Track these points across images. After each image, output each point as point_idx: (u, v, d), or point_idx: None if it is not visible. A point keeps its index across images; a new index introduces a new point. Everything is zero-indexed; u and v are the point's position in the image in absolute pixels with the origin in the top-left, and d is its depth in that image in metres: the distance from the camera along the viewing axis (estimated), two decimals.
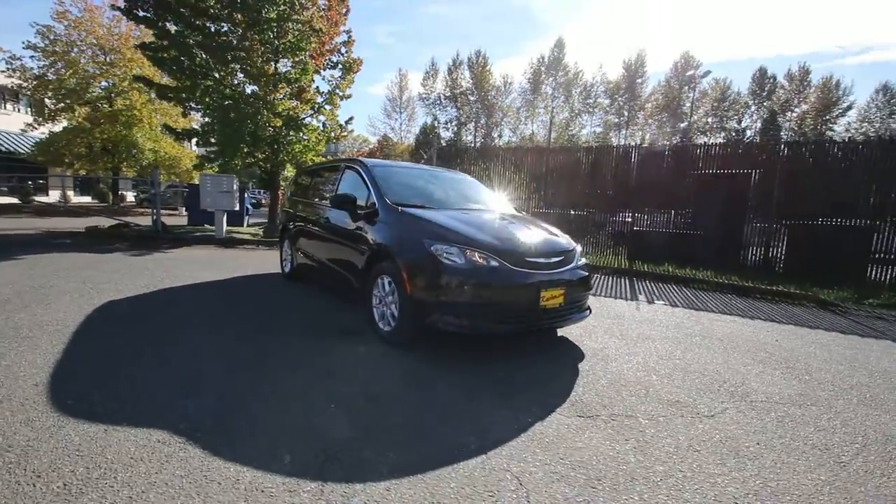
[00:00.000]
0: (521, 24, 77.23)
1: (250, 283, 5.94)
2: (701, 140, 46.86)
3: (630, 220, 11.02)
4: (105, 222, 11.61)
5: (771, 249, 9.41)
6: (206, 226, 12.45)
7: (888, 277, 8.12)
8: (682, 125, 50.40)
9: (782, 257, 9.24)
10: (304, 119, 12.70)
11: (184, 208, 19.52)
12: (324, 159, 13.68)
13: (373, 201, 4.18)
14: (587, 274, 3.88)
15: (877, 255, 8.48)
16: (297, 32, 11.80)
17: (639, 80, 47.88)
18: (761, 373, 3.54)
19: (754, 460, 2.26)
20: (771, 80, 49.76)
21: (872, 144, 8.53)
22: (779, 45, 69.42)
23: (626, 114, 49.50)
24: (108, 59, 19.62)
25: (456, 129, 45.86)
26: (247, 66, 11.10)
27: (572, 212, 11.08)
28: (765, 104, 50.55)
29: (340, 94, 13.54)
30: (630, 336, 4.39)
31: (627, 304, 6.02)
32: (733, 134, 51.13)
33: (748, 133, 50.97)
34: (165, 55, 10.33)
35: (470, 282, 3.23)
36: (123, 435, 2.13)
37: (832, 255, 8.48)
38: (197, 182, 18.07)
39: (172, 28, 10.66)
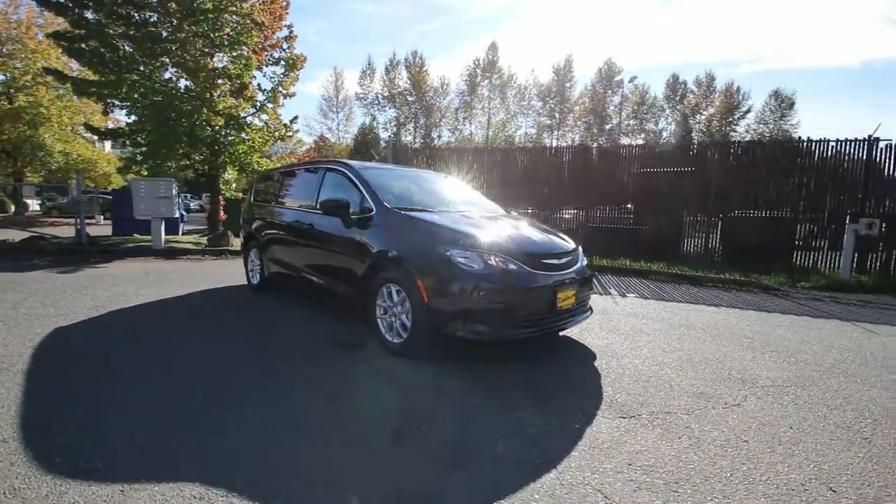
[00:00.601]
0: (453, 25, 78.17)
1: (215, 298, 5.39)
2: (625, 141, 50.22)
3: (568, 216, 11.58)
4: (14, 235, 10.07)
5: (710, 240, 10.24)
6: (137, 235, 11.22)
7: (809, 262, 9.16)
8: (608, 127, 53.73)
9: (719, 247, 10.10)
10: (245, 118, 11.87)
11: (102, 216, 17.53)
12: (269, 161, 12.88)
13: (367, 205, 3.93)
14: (590, 273, 3.93)
15: (799, 243, 9.56)
16: (235, 25, 11.00)
17: (568, 84, 50.27)
18: (754, 358, 3.78)
19: (797, 445, 2.37)
20: (682, 86, 54.36)
21: (781, 144, 9.52)
22: (688, 53, 76.13)
23: (556, 116, 51.78)
24: (4, 50, 17.08)
25: (395, 129, 45.37)
26: (180, 60, 10.14)
27: (529, 209, 11.32)
28: (677, 108, 55.12)
29: (284, 91, 12.82)
30: (624, 331, 4.51)
31: (603, 298, 6.21)
32: (651, 135, 55.24)
33: (664, 134, 55.31)
34: (84, 46, 9.14)
35: (490, 287, 3.12)
36: (148, 494, 1.78)
37: (761, 244, 9.40)
38: (120, 187, 16.49)
39: (89, 16, 9.47)
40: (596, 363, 3.51)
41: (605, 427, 2.49)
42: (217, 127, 10.60)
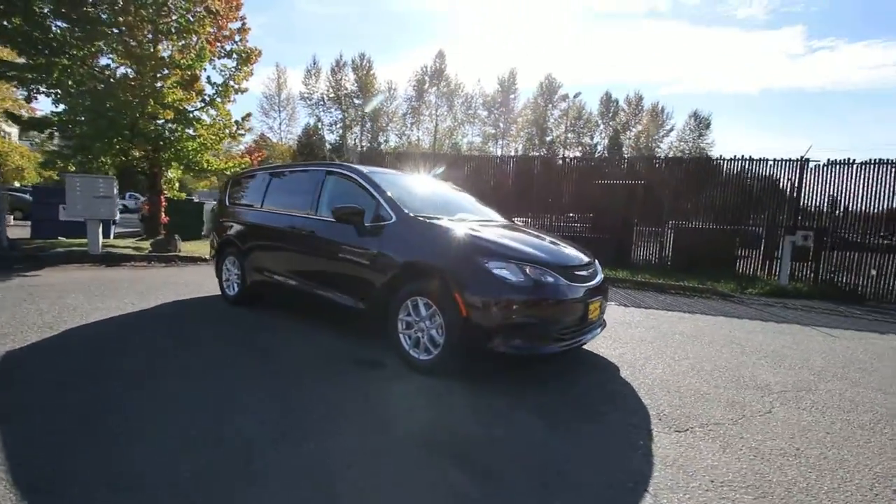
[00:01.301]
0: (399, 30, 78.02)
1: (188, 312, 4.83)
2: (563, 152, 52.70)
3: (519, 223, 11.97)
4: None
5: (663, 249, 10.92)
6: (62, 239, 9.89)
7: (750, 270, 10.06)
8: (548, 139, 56.15)
9: (670, 256, 10.80)
10: (192, 112, 10.95)
11: (11, 216, 15.25)
12: (220, 161, 11.98)
13: (384, 213, 3.70)
14: (607, 284, 3.98)
15: (740, 253, 10.48)
16: (184, 12, 10.14)
17: (512, 96, 51.98)
18: (754, 364, 4.01)
19: (841, 449, 2.51)
20: (614, 104, 58.18)
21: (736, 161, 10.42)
22: (621, 74, 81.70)
23: (501, 126, 53.29)
24: None
25: (341, 131, 44.28)
26: (124, 46, 9.13)
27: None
28: (610, 124, 58.88)
29: (235, 86, 12.00)
30: (625, 340, 4.62)
31: None
32: (587, 148, 58.48)
33: (599, 148, 58.78)
34: (6, 23, 7.94)
35: (531, 300, 3.05)
36: None
37: (709, 254, 10.19)
38: (39, 184, 14.91)
39: None
40: (623, 374, 3.54)
41: (666, 443, 2.49)
42: (166, 120, 9.65)
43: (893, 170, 8.92)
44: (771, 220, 10.52)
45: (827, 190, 9.57)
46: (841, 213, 9.82)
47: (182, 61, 9.78)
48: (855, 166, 9.26)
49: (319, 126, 42.63)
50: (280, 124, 43.57)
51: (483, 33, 77.83)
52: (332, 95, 43.38)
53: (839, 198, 9.58)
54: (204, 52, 9.96)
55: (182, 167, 11.31)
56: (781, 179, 9.96)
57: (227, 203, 5.55)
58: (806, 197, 9.74)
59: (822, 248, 9.51)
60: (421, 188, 4.48)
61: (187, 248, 10.31)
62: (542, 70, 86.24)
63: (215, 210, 5.84)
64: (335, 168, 4.38)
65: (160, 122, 9.93)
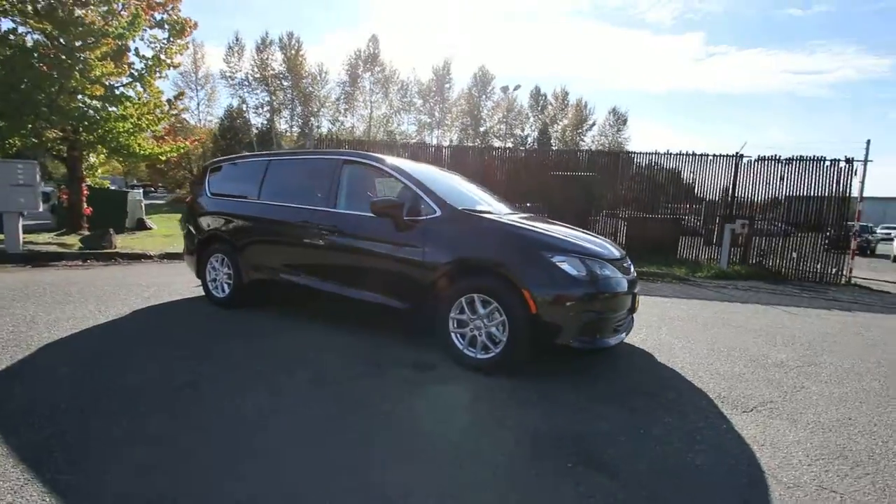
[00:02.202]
0: (325, 9, 74.41)
1: (175, 319, 4.27)
2: (497, 143, 53.93)
3: None
4: None
5: (616, 238, 11.62)
6: None
7: (691, 255, 11.05)
8: (482, 129, 57.08)
9: (624, 243, 11.53)
10: (118, 88, 9.62)
11: None
12: (154, 144, 10.67)
13: (423, 207, 3.50)
14: None
15: (683, 240, 11.47)
16: None
17: (446, 85, 51.88)
18: (755, 343, 4.40)
19: (882, 415, 2.83)
20: (543, 97, 60.46)
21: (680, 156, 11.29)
22: (549, 69, 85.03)
23: (436, 115, 53.16)
24: None
25: (269, 115, 41.45)
26: (32, 6, 7.72)
27: None
28: (539, 117, 61.16)
29: (168, 61, 10.74)
30: (638, 325, 4.83)
31: None
32: (518, 140, 60.35)
33: (529, 140, 60.90)
34: None
35: (594, 292, 3.07)
36: None
37: (656, 241, 11.03)
38: None
39: None
40: (659, 360, 3.71)
41: (742, 423, 2.64)
42: (93, 98, 8.37)
43: (806, 165, 10.23)
44: (708, 210, 11.63)
45: (755, 182, 10.77)
46: (765, 204, 11.14)
47: (112, 30, 8.49)
48: (779, 164, 10.48)
49: (244, 108, 39.54)
50: (198, 105, 39.72)
51: (415, 22, 76.77)
52: (257, 76, 40.34)
53: (766, 190, 10.84)
54: (139, 21, 8.73)
55: (108, 151, 9.90)
56: (721, 173, 10.99)
57: (209, 193, 4.94)
58: (740, 188, 10.87)
59: (752, 235, 10.71)
60: (442, 179, 4.31)
61: (122, 242, 9.13)
62: (476, 62, 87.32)
63: (191, 202, 5.17)
64: (353, 157, 4.06)
65: (84, 99, 8.58)
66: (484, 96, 55.04)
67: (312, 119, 45.08)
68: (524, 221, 3.55)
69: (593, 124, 61.69)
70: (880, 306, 7.03)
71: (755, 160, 10.70)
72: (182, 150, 10.85)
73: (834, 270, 9.96)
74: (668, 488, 1.99)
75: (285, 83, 41.49)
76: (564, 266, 3.03)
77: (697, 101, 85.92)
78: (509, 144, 59.48)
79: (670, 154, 11.32)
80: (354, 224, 3.77)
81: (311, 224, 3.98)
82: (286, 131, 44.44)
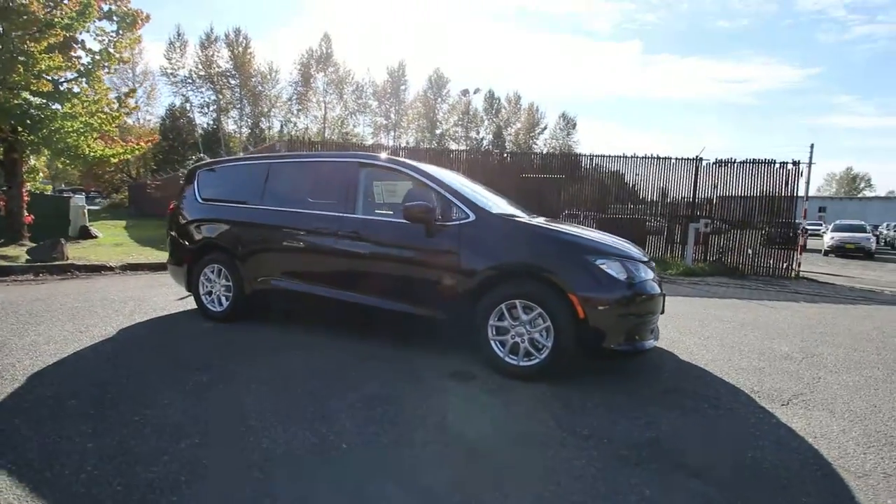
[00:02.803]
0: (273, 4, 71.87)
1: (174, 338, 3.92)
2: (452, 145, 54.30)
3: None
4: None
5: None
6: None
7: (658, 253, 11.60)
8: (438, 131, 57.31)
9: None
10: (62, 84, 8.76)
11: None
12: (103, 147, 9.78)
13: (455, 211, 3.40)
14: None
15: (649, 239, 12.03)
16: None
17: (402, 87, 51.63)
18: (756, 337, 4.65)
19: None
20: (497, 101, 61.56)
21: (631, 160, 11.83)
22: (503, 72, 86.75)
23: (392, 117, 52.76)
24: None
25: (216, 114, 39.34)
26: None
27: None
28: (494, 120, 62.23)
29: (118, 55, 9.92)
30: None
31: None
32: (474, 142, 61.09)
33: (484, 143, 61.81)
34: None
35: (636, 295, 3.10)
36: None
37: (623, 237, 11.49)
38: None
39: None
40: (683, 359, 3.82)
41: (786, 416, 2.75)
42: (39, 94, 7.53)
43: (758, 168, 11.04)
44: (672, 210, 12.26)
45: (712, 183, 11.49)
46: (718, 203, 11.91)
47: (58, 20, 7.68)
48: (734, 166, 11.24)
49: (188, 107, 37.25)
50: (136, 102, 36.97)
51: (369, 23, 75.85)
52: (202, 73, 38.17)
53: (720, 191, 11.59)
54: (90, 10, 7.96)
55: (52, 153, 8.95)
56: (683, 176, 11.62)
57: (199, 199, 4.56)
58: (699, 190, 11.54)
59: (711, 234, 11.41)
60: (458, 181, 4.21)
61: (72, 253, 8.27)
62: (430, 65, 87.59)
63: (176, 209, 4.73)
64: (370, 160, 3.88)
65: (25, 96, 7.70)
66: (440, 99, 55.31)
67: (263, 119, 43.36)
68: (554, 225, 3.54)
69: (545, 128, 63.52)
70: (838, 297, 7.68)
71: (713, 163, 11.42)
72: (136, 152, 10.00)
73: (785, 265, 10.79)
74: (757, 488, 2.02)
75: (233, 81, 39.58)
76: (608, 269, 3.05)
77: (640, 107, 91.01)
78: (464, 147, 60.09)
79: (636, 157, 11.84)
80: (379, 230, 3.61)
81: (328, 231, 3.76)
82: (235, 132, 42.42)
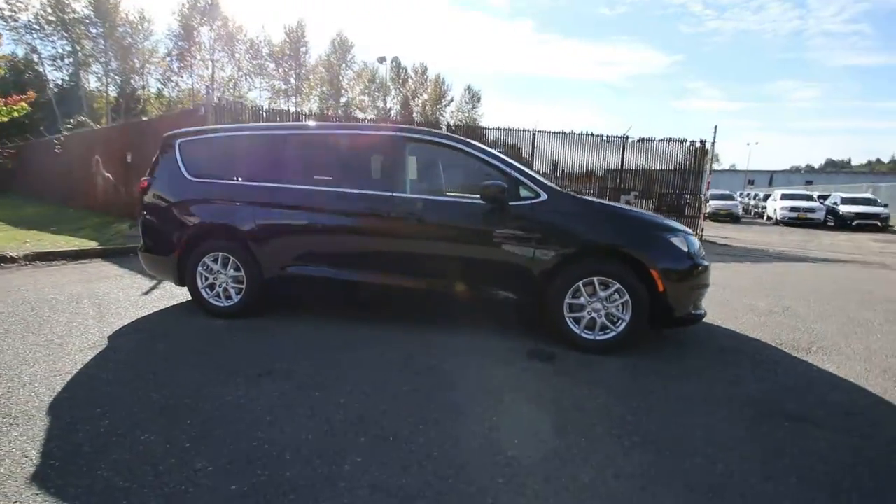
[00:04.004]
0: None
1: (196, 338, 3.31)
2: (359, 115, 52.13)
3: None
4: None
5: None
6: None
7: None
8: (343, 100, 54.50)
9: None
10: None
11: None
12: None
13: (524, 190, 3.32)
14: None
15: None
16: None
17: (303, 50, 47.72)
18: (732, 296, 5.30)
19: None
20: (404, 71, 60.07)
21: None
22: (405, 44, 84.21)
23: (292, 81, 48.73)
24: None
25: (73, 69, 32.64)
26: None
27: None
28: (401, 90, 60.81)
29: None
30: None
31: None
32: (382, 112, 59.29)
33: (392, 113, 60.29)
34: None
35: (698, 266, 3.32)
36: None
37: None
38: None
39: None
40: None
41: (819, 362, 3.24)
42: None
43: (673, 145, 12.40)
44: (602, 183, 13.27)
45: (637, 159, 12.66)
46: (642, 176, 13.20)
47: None
48: (654, 143, 12.47)
49: (35, 59, 30.35)
50: None
51: None
52: (52, 18, 31.13)
53: (646, 165, 12.83)
54: None
55: None
56: (611, 151, 12.58)
57: (187, 176, 3.81)
58: (626, 163, 12.63)
59: (637, 204, 12.65)
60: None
61: None
62: (332, 28, 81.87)
63: (149, 187, 3.87)
64: (418, 135, 3.57)
65: None
66: (344, 65, 52.30)
67: (135, 77, 37.21)
68: (613, 203, 3.64)
69: (451, 100, 63.79)
70: (749, 257, 9.04)
71: (637, 140, 12.54)
72: (18, 113, 7.95)
73: (692, 231, 12.39)
74: (861, 424, 2.37)
75: (94, 30, 33.02)
76: (678, 244, 3.23)
77: (532, 83, 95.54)
78: (371, 116, 58.11)
79: (574, 134, 12.51)
80: (441, 210, 3.38)
81: (376, 212, 3.42)
82: (99, 90, 35.83)
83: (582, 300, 3.23)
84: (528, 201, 3.29)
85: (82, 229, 8.71)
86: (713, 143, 12.56)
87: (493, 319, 3.74)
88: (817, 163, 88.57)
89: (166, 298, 4.34)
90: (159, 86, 37.82)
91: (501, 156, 3.49)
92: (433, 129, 3.67)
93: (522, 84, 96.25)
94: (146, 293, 4.55)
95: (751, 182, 51.84)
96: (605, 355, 3.18)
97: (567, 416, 2.35)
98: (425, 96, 62.66)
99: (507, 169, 3.38)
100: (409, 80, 60.62)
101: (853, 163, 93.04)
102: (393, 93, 59.43)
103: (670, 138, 12.41)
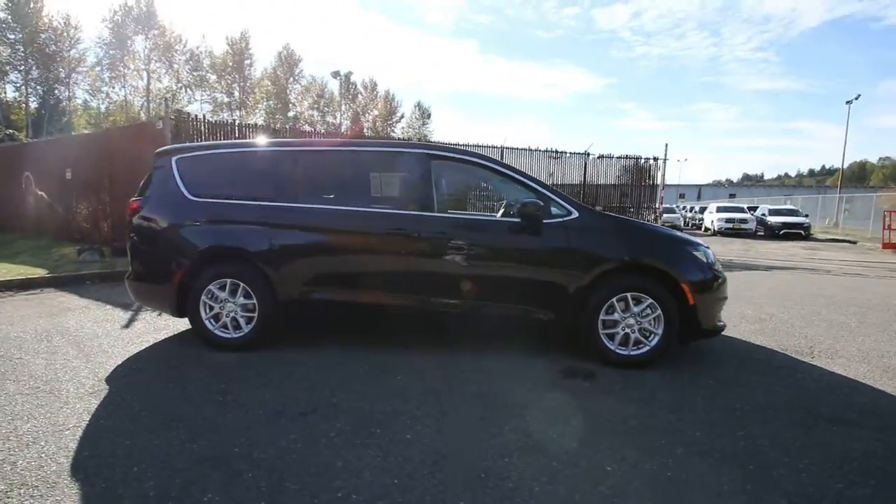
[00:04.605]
0: None
1: (209, 375, 2.98)
2: (308, 129, 51.03)
3: None
4: None
5: None
6: None
7: None
8: (291, 114, 53.21)
9: None
10: None
11: None
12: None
13: (555, 208, 3.33)
14: None
15: None
16: None
17: (247, 62, 46.20)
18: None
19: (888, 341, 4.07)
20: (353, 86, 59.69)
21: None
22: (354, 60, 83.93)
23: (236, 94, 46.96)
24: None
25: None
26: None
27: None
28: (351, 105, 60.33)
29: None
30: None
31: None
32: (332, 127, 58.34)
33: (342, 128, 59.48)
34: None
35: (719, 278, 3.45)
36: None
37: None
38: None
39: None
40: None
41: (828, 366, 3.47)
42: None
43: (631, 162, 13.14)
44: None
45: (599, 174, 13.27)
46: (601, 192, 13.82)
47: None
48: (613, 160, 13.14)
49: None
50: None
51: None
52: None
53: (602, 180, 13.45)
54: None
55: None
56: (575, 167, 13.10)
57: (188, 196, 3.48)
58: (588, 179, 13.18)
59: None
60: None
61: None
62: (278, 41, 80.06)
63: (140, 208, 3.48)
64: (444, 153, 3.52)
65: None
66: (292, 79, 51.20)
67: (60, 87, 34.29)
68: (638, 220, 3.74)
69: (402, 116, 64.10)
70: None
71: (597, 157, 13.16)
72: None
73: None
74: (879, 424, 2.54)
75: (11, 36, 30.10)
76: (701, 258, 3.36)
77: (478, 101, 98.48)
78: (322, 130, 57.01)
79: (540, 150, 12.90)
80: (473, 229, 3.34)
81: (405, 232, 3.29)
82: (17, 100, 32.60)
83: (616, 316, 3.26)
84: (560, 219, 3.30)
85: (19, 254, 7.74)
86: (665, 159, 13.47)
87: (516, 339, 3.69)
88: (735, 177, 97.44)
89: (152, 332, 3.91)
90: (87, 97, 34.97)
91: (527, 174, 3.50)
92: (456, 147, 3.60)
93: (472, 101, 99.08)
94: (126, 326, 4.08)
95: (682, 196, 55.81)
96: (640, 370, 3.23)
97: (643, 439, 2.32)
98: (375, 112, 62.54)
99: (537, 186, 3.39)
100: (359, 96, 60.33)
101: (765, 177, 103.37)
102: (343, 108, 58.78)
103: (627, 155, 13.15)
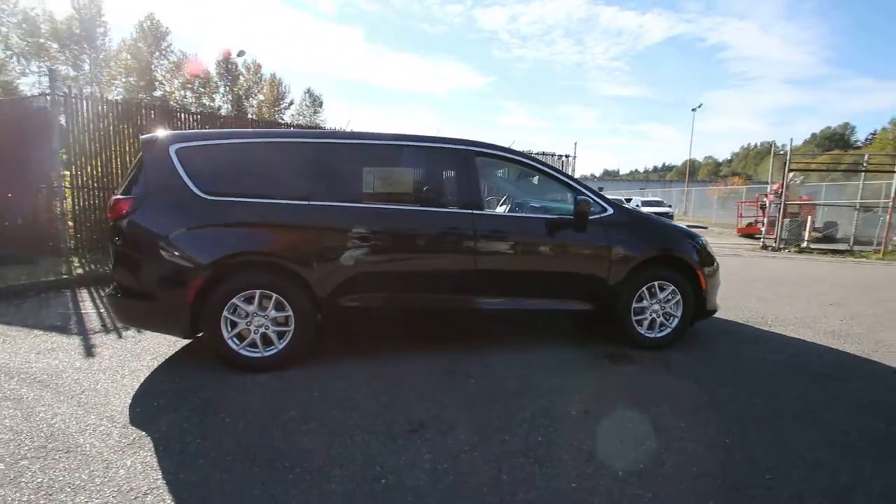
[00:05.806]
0: None
1: (262, 401, 2.60)
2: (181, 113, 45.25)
3: None
4: None
5: None
6: None
7: None
8: (158, 93, 46.64)
9: None
10: None
11: None
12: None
13: (594, 206, 3.51)
14: None
15: None
16: None
17: (100, 30, 39.21)
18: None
19: (855, 307, 5.01)
20: (234, 66, 54.14)
21: None
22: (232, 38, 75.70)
23: (86, 67, 39.65)
24: None
25: None
26: None
27: None
28: (234, 89, 54.68)
29: None
30: None
31: None
32: (210, 110, 52.40)
33: (223, 112, 53.78)
34: None
35: (718, 266, 3.96)
36: None
37: None
38: None
39: None
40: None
41: (787, 332, 4.23)
42: None
43: (550, 159, 14.16)
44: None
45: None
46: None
47: None
48: (540, 155, 14.01)
49: None
50: None
51: None
52: None
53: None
54: None
55: None
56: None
57: (199, 194, 2.92)
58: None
59: None
60: None
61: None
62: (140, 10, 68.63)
63: (133, 211, 2.79)
64: (487, 150, 3.43)
65: None
66: (158, 53, 44.70)
67: None
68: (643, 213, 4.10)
69: (291, 103, 60.00)
70: None
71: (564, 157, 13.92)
72: None
73: None
74: (862, 375, 3.23)
75: None
76: (704, 246, 3.84)
77: (369, 90, 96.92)
78: (197, 111, 50.94)
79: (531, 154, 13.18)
80: (524, 228, 3.37)
81: (458, 232, 3.19)
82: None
83: (644, 303, 3.59)
84: (598, 215, 3.50)
85: None
86: (575, 157, 14.76)
87: (542, 332, 3.86)
88: (597, 172, 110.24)
89: (132, 359, 3.22)
90: None
91: (564, 172, 3.63)
92: (499, 145, 3.56)
93: (358, 90, 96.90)
94: (89, 355, 3.30)
95: None
96: (665, 350, 3.59)
97: (721, 408, 2.62)
98: (262, 97, 57.67)
99: (575, 184, 3.55)
100: (241, 78, 54.96)
101: (621, 172, 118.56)
102: (222, 90, 53.04)
103: (544, 152, 14.11)
